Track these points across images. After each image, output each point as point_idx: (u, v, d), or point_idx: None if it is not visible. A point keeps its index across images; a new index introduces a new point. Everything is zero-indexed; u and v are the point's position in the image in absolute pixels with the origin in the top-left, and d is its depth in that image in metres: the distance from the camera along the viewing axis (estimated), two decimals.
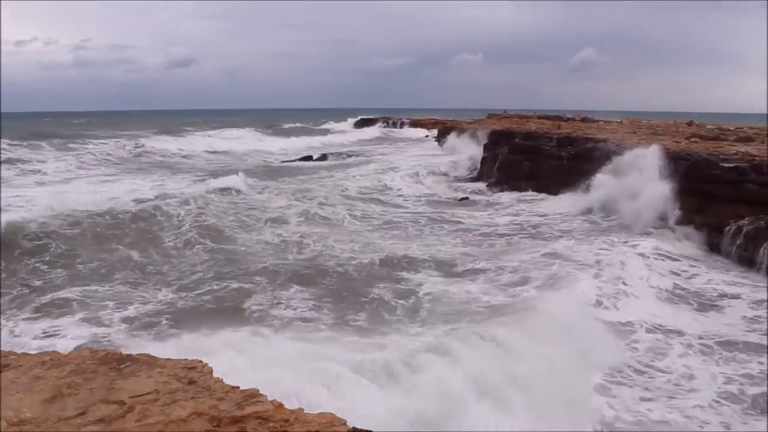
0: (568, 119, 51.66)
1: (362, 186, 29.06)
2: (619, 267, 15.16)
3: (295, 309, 11.86)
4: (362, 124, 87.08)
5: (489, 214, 23.59)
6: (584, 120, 50.22)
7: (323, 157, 44.99)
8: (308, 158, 44.94)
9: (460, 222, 21.76)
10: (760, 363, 10.38)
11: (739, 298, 14.15)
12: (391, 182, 30.81)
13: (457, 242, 18.42)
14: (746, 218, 18.87)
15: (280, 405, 3.56)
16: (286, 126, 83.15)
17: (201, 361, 4.20)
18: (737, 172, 20.13)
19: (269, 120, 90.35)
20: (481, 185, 32.94)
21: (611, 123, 37.87)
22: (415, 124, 77.27)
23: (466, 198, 29.79)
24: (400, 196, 28.22)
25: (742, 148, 23.17)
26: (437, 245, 17.65)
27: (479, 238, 19.29)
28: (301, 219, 20.35)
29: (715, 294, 14.48)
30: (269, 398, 3.64)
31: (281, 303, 12.15)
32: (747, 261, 17.77)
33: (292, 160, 43.97)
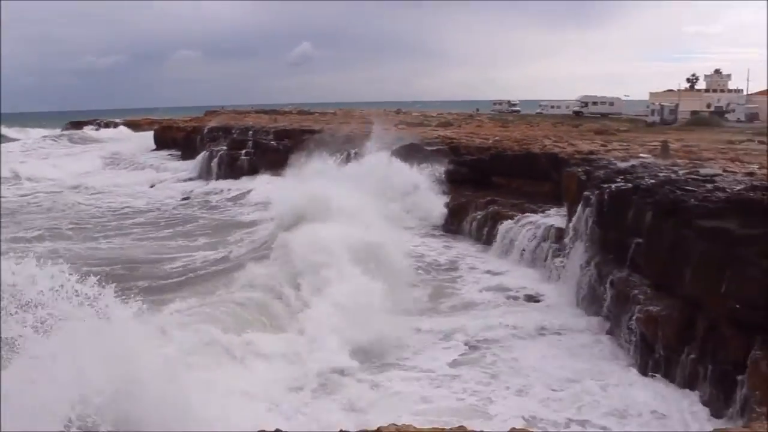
0: (285, 113, 51.97)
1: None
2: None
3: None
4: (72, 127, 77.19)
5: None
6: (301, 113, 50.91)
7: None
8: None
9: None
10: None
11: None
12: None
13: None
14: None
15: None
16: None
17: None
18: (440, 154, 21.62)
19: None
20: (202, 183, 31.62)
21: (326, 114, 38.79)
22: (130, 125, 70.81)
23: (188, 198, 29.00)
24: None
25: (443, 132, 25.04)
26: None
27: None
28: None
29: None
30: None
31: None
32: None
33: None
